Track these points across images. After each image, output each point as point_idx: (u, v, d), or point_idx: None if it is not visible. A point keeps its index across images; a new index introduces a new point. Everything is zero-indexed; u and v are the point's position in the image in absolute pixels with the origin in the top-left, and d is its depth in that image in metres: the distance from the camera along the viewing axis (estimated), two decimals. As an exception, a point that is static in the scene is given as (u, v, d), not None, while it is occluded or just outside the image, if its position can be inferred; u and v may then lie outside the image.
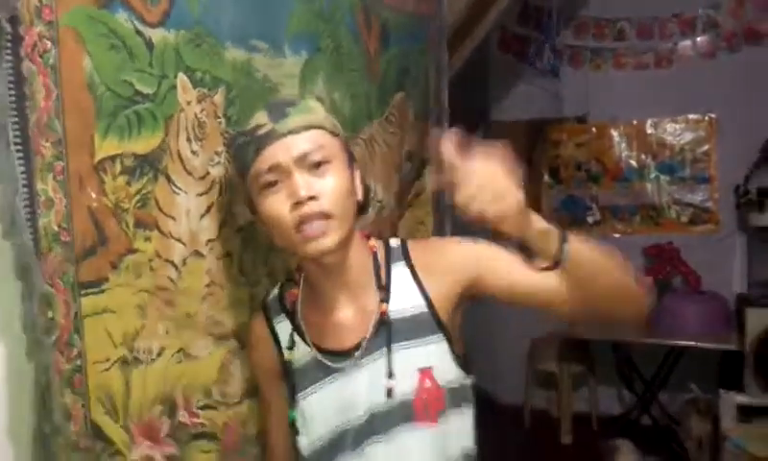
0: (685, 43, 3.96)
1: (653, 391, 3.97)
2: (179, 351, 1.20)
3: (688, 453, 3.54)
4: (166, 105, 1.15)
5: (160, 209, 1.15)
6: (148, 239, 1.13)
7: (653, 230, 4.15)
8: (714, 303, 3.62)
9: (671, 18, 3.96)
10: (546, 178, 4.34)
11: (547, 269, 1.05)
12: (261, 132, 1.02)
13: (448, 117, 2.34)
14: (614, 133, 4.19)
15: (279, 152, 1.01)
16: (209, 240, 1.26)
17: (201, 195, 1.24)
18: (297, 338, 1.15)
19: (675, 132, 4.07)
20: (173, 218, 1.18)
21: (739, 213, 3.81)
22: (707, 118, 3.98)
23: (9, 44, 0.88)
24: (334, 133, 1.07)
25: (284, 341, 1.17)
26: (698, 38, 3.93)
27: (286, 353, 1.16)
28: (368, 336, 1.10)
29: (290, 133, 1.02)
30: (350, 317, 1.12)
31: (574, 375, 3.99)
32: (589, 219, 4.30)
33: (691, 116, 4.02)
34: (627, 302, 1.08)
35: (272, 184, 1.02)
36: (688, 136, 4.05)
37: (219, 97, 1.27)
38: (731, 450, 2.91)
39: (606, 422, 4.07)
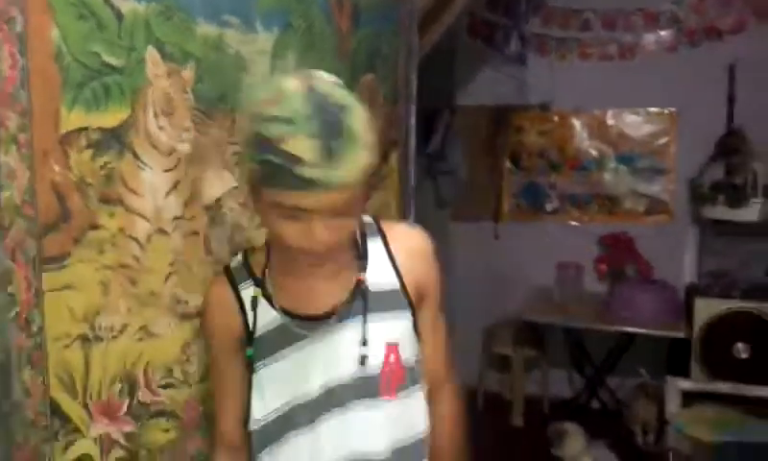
0: (649, 37, 4.03)
1: (602, 376, 4.08)
2: (141, 329, 1.18)
3: (634, 436, 3.66)
4: (134, 78, 1.13)
5: (125, 185, 1.13)
6: (112, 215, 1.11)
7: (609, 220, 4.24)
8: (665, 293, 3.73)
9: (635, 12, 4.02)
10: (508, 164, 4.39)
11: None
12: (304, 171, 0.87)
13: (415, 100, 2.34)
14: (576, 123, 4.25)
15: (312, 202, 0.91)
16: (175, 217, 1.24)
17: (167, 171, 1.22)
18: (264, 302, 1.12)
19: (635, 123, 4.15)
20: (138, 194, 1.16)
21: (693, 206, 3.92)
22: (666, 111, 4.07)
23: (-27, 10, 0.85)
24: (371, 171, 0.96)
25: (249, 305, 1.13)
26: (661, 32, 4.00)
27: (250, 317, 1.12)
28: (344, 304, 1.10)
29: (333, 189, 0.90)
30: (324, 284, 1.11)
31: (527, 358, 4.07)
32: (548, 207, 4.36)
33: (652, 109, 4.10)
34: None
35: (289, 215, 0.94)
36: (648, 128, 4.13)
37: (188, 72, 1.25)
38: (674, 434, 3.01)
39: (556, 405, 4.17)
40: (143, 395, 1.20)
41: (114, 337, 1.13)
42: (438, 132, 4.24)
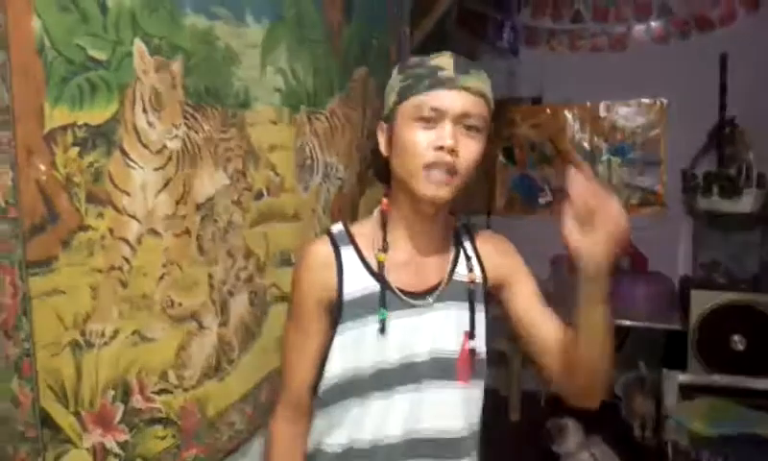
0: (640, 28, 4.00)
1: (599, 369, 4.06)
2: (133, 334, 1.14)
3: (632, 430, 3.64)
4: (121, 73, 1.09)
5: (114, 184, 1.09)
6: (101, 216, 1.06)
7: (602, 212, 4.21)
8: (660, 285, 3.72)
9: (626, 2, 4.00)
10: (501, 157, 4.36)
11: (574, 338, 1.12)
12: (444, 74, 1.07)
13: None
14: (568, 115, 4.22)
15: (450, 99, 1.06)
16: (166, 217, 1.20)
17: (157, 169, 1.17)
18: (362, 268, 1.15)
19: (627, 115, 4.13)
20: (127, 193, 1.11)
21: (686, 197, 3.90)
22: (658, 103, 4.05)
23: (-51, 1, 0.80)
24: (491, 110, 1.13)
25: (349, 272, 1.14)
26: (652, 23, 3.98)
27: (349, 284, 1.14)
28: (442, 286, 1.16)
29: (466, 89, 1.06)
30: (424, 264, 1.17)
31: (524, 354, 4.05)
32: (541, 200, 4.34)
33: (643, 100, 4.08)
34: (593, 395, 1.17)
35: (426, 120, 1.06)
36: (640, 120, 4.11)
37: (177, 66, 1.20)
38: (672, 427, 2.99)
39: (554, 400, 4.15)
40: (137, 402, 1.16)
41: (106, 343, 1.08)
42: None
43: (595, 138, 4.20)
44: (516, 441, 3.75)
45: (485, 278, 1.22)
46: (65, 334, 1.00)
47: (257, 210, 1.44)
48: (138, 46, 1.11)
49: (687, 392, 3.12)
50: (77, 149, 1.01)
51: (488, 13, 4.08)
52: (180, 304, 1.23)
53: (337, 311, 1.13)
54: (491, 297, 1.24)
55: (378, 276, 1.13)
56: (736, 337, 3.34)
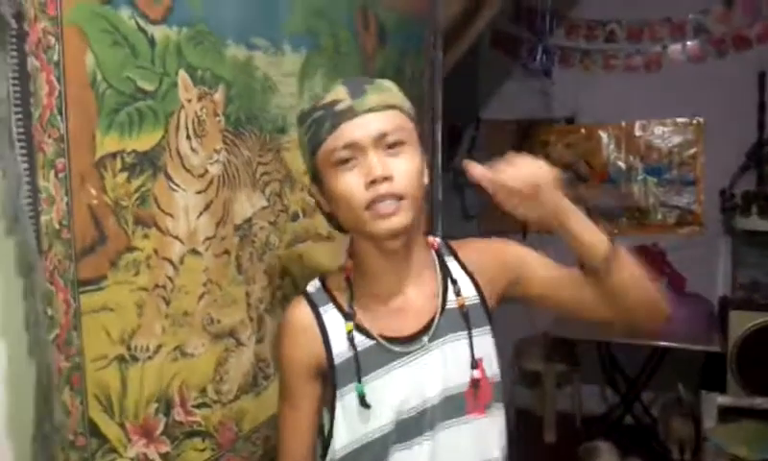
0: (675, 47, 3.99)
1: (636, 391, 4.01)
2: (175, 349, 1.19)
3: (670, 454, 3.58)
4: (167, 102, 1.15)
5: (159, 207, 1.15)
6: (146, 237, 1.12)
7: (639, 232, 4.18)
8: (698, 305, 3.67)
9: (661, 22, 3.99)
10: (535, 178, 4.36)
11: (592, 271, 1.06)
12: (339, 107, 1.01)
13: (440, 116, 2.35)
14: (603, 135, 4.22)
15: (357, 130, 1.00)
16: (207, 238, 1.26)
17: (199, 193, 1.23)
18: (355, 331, 1.09)
19: (663, 134, 4.11)
20: (171, 216, 1.18)
21: (724, 217, 3.85)
22: (694, 122, 4.02)
23: (14, 40, 0.87)
24: (410, 116, 1.07)
25: (334, 333, 1.09)
26: (687, 43, 3.96)
27: (337, 346, 1.09)
28: (436, 321, 1.10)
29: (370, 111, 1.01)
30: (411, 304, 1.11)
31: (559, 374, 4.02)
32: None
33: (679, 119, 4.05)
34: (654, 308, 1.12)
35: (346, 161, 1.00)
36: (676, 139, 4.08)
37: (219, 95, 1.27)
38: (711, 451, 2.94)
39: (589, 421, 4.10)
40: (178, 414, 1.21)
41: (150, 358, 1.14)
42: (463, 145, 4.24)
43: (631, 158, 4.18)
44: (551, 463, 3.72)
45: (481, 295, 1.16)
46: (112, 349, 1.06)
47: (293, 231, 1.50)
48: (183, 77, 1.18)
49: (727, 415, 3.07)
50: (125, 174, 1.07)
51: (521, 35, 4.12)
52: (219, 322, 1.28)
53: (330, 376, 1.09)
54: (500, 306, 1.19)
55: (351, 339, 1.08)
56: (777, 359, 3.28)
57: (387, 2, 1.87)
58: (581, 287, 1.11)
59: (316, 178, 1.08)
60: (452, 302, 1.13)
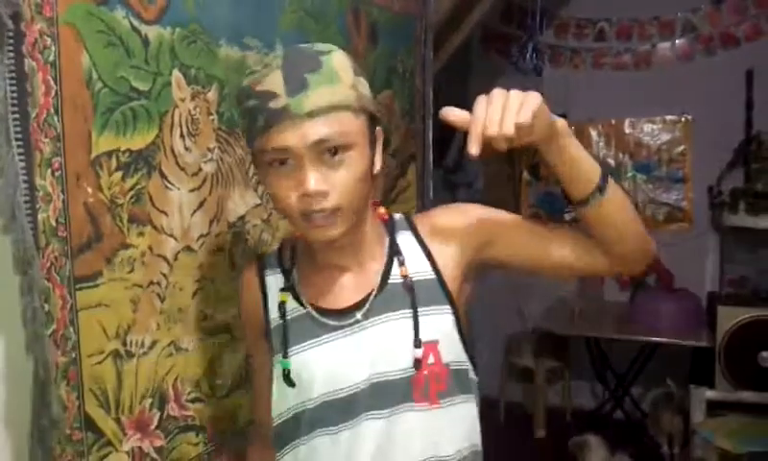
0: (664, 45, 4.02)
1: (625, 386, 4.05)
2: (169, 345, 1.21)
3: (660, 447, 3.62)
4: (161, 101, 1.17)
5: (153, 205, 1.17)
6: (141, 234, 1.14)
7: (628, 228, 4.22)
8: (687, 301, 3.70)
9: (650, 20, 4.02)
10: (526, 175, 4.39)
11: (582, 203, 0.95)
12: (273, 105, 0.86)
13: (432, 114, 2.37)
14: (593, 132, 4.25)
15: (292, 136, 0.86)
16: (201, 235, 1.27)
17: (193, 191, 1.25)
18: (288, 295, 1.05)
19: (652, 132, 4.14)
20: (165, 213, 1.19)
21: (712, 213, 3.89)
22: (683, 119, 4.06)
23: (11, 41, 0.89)
24: (359, 110, 0.91)
25: (272, 295, 1.07)
26: (676, 41, 4.00)
27: (273, 310, 1.06)
28: (372, 296, 1.00)
29: (308, 115, 0.86)
30: (350, 277, 1.03)
31: (549, 369, 4.05)
32: (566, 216, 4.33)
33: (668, 117, 4.09)
34: (645, 244, 1.01)
35: (280, 162, 0.89)
36: (665, 137, 4.12)
37: (212, 94, 1.28)
38: (700, 444, 2.98)
39: (579, 416, 4.14)
40: (172, 409, 1.23)
41: (145, 353, 1.16)
42: (454, 144, 4.27)
43: (620, 155, 4.21)
44: (542, 458, 3.76)
45: (437, 271, 1.03)
46: (108, 344, 1.08)
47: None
48: (176, 76, 1.20)
49: (715, 409, 3.11)
50: (120, 173, 1.09)
51: (511, 34, 4.14)
52: (213, 317, 1.30)
53: (268, 339, 1.07)
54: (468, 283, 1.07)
55: (282, 306, 1.04)
56: (765, 354, 3.31)
57: (378, 1, 1.88)
58: (563, 238, 1.03)
59: (255, 163, 0.97)
60: (396, 277, 1.02)
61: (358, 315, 1.00)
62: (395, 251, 1.04)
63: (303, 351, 1.01)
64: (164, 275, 1.19)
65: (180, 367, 1.24)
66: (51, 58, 0.96)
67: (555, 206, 4.36)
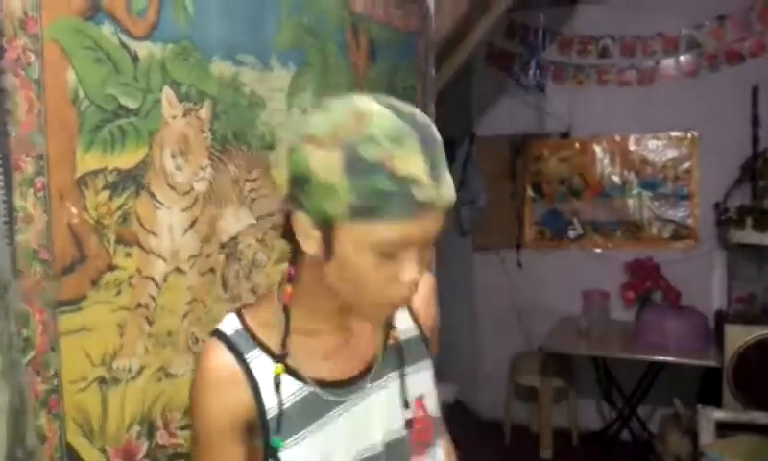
0: (668, 62, 4.00)
1: (632, 406, 3.98)
2: (159, 370, 1.17)
3: (667, 469, 3.55)
4: (150, 119, 1.14)
5: (142, 225, 1.13)
6: (129, 255, 1.11)
7: (633, 246, 4.17)
8: (694, 319, 3.65)
9: (654, 37, 4.00)
10: (529, 192, 4.36)
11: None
12: (419, 193, 0.75)
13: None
14: (597, 149, 4.21)
15: (423, 228, 0.78)
16: (191, 256, 1.24)
17: (184, 210, 1.22)
18: (285, 376, 0.89)
19: (657, 148, 4.11)
20: (155, 234, 1.16)
21: (719, 230, 3.84)
22: (689, 136, 4.02)
23: (-10, 57, 0.86)
24: None
25: (264, 383, 0.88)
26: (680, 57, 3.97)
27: (269, 398, 0.88)
28: (377, 362, 0.95)
29: (444, 210, 0.79)
30: (352, 341, 0.96)
31: (555, 389, 3.99)
32: (571, 234, 4.31)
33: (673, 133, 4.06)
34: None
35: (388, 252, 0.79)
36: (670, 153, 4.08)
37: (205, 111, 1.25)
38: (709, 466, 2.92)
39: (586, 437, 4.07)
40: (162, 437, 1.19)
41: (132, 379, 1.12)
42: (457, 161, 4.24)
43: (625, 172, 4.17)
44: (548, 479, 3.69)
45: (419, 325, 1.03)
46: (93, 371, 1.04)
47: (281, 249, 1.48)
48: (167, 93, 1.17)
49: (724, 429, 3.05)
50: (107, 192, 1.06)
51: (514, 51, 4.13)
52: (204, 341, 1.26)
53: (263, 433, 0.88)
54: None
55: (278, 386, 0.88)
56: (774, 374, 3.26)
57: (378, 17, 1.86)
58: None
59: (326, 228, 0.80)
60: (390, 337, 0.99)
61: (367, 383, 0.94)
62: None
63: (312, 434, 0.90)
64: (153, 297, 1.15)
65: (169, 393, 1.19)
66: (35, 74, 0.93)
67: (560, 224, 4.32)
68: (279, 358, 0.89)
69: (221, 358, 0.88)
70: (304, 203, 0.79)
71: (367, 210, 0.75)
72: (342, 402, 0.92)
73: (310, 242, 0.82)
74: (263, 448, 0.88)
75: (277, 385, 0.88)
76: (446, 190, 0.78)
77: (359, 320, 0.95)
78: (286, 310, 0.90)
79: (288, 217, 0.85)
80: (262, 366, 0.88)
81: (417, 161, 0.74)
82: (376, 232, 0.76)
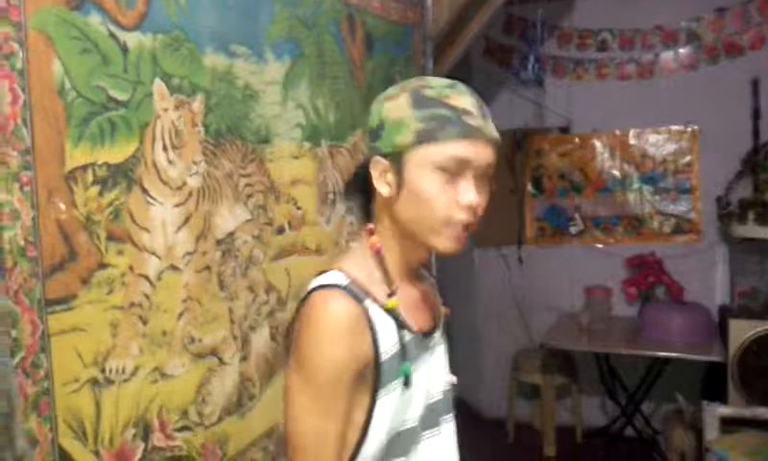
0: (667, 55, 3.96)
1: (636, 402, 3.95)
2: (154, 371, 1.14)
3: (672, 465, 3.52)
4: (141, 112, 1.10)
5: (134, 221, 1.10)
6: (121, 253, 1.07)
7: (635, 241, 4.14)
8: (697, 314, 3.61)
9: (653, 30, 3.97)
10: (530, 187, 4.32)
11: None
12: (471, 122, 0.95)
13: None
14: (597, 144, 4.18)
15: (477, 153, 0.95)
16: (186, 253, 1.20)
17: (177, 206, 1.18)
18: (391, 323, 0.98)
19: (658, 142, 4.07)
20: (147, 230, 1.12)
21: (721, 224, 3.81)
22: (689, 129, 3.99)
23: (-29, 46, 0.82)
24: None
25: (382, 328, 0.96)
26: (680, 50, 3.94)
27: (384, 342, 0.96)
28: (442, 320, 1.12)
29: (490, 141, 0.97)
30: (426, 300, 1.10)
31: (558, 386, 3.96)
32: (572, 229, 4.28)
33: (674, 127, 4.02)
34: None
35: (448, 171, 0.95)
36: (671, 147, 4.05)
37: (197, 104, 1.22)
38: (714, 462, 2.88)
39: (590, 433, 4.04)
40: (158, 439, 1.15)
41: (126, 380, 1.09)
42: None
43: (626, 166, 4.14)
44: (552, 477, 3.65)
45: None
46: (85, 372, 1.01)
47: (278, 245, 1.45)
48: (158, 85, 1.13)
49: (728, 425, 3.01)
50: (97, 187, 1.02)
51: (513, 45, 4.09)
52: (201, 340, 1.23)
53: (375, 376, 0.95)
54: None
55: (403, 324, 0.99)
56: (779, 368, 3.23)
57: (374, 9, 1.83)
58: None
59: (396, 159, 0.97)
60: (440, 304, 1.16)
61: (437, 334, 1.10)
62: (441, 293, 1.16)
63: (415, 370, 1.02)
64: (147, 295, 1.12)
65: (165, 394, 1.16)
66: (18, 65, 0.90)
67: (561, 219, 4.29)
68: (391, 295, 1.00)
69: (348, 306, 0.94)
70: (381, 148, 0.98)
71: (430, 134, 0.94)
72: (425, 349, 1.05)
73: (384, 183, 0.99)
74: (370, 394, 0.96)
75: (396, 318, 0.99)
76: (493, 128, 0.98)
77: (427, 251, 1.04)
78: (381, 259, 1.02)
79: (362, 181, 1.03)
80: (376, 313, 0.97)
81: (467, 100, 0.96)
82: (438, 152, 0.94)
